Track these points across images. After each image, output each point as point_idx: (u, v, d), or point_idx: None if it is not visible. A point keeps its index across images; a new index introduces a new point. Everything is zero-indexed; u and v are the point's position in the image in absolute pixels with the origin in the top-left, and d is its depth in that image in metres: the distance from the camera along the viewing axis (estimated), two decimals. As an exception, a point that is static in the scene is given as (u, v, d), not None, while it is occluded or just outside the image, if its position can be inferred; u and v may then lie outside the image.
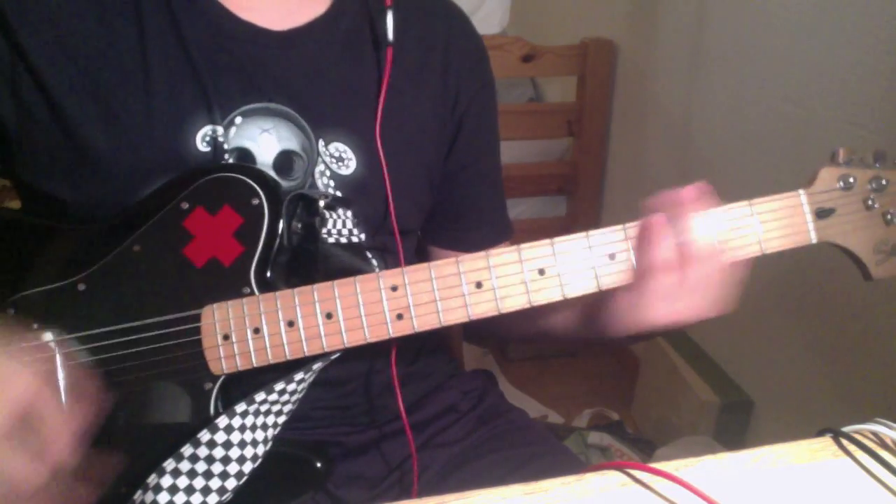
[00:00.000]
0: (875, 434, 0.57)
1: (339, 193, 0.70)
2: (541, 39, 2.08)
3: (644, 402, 1.89)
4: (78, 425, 0.56)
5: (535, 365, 2.13)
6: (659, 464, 0.52)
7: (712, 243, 0.59)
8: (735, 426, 1.57)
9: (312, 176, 0.69)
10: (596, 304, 0.67)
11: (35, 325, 0.61)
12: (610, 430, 1.77)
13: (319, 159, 0.69)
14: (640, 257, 0.61)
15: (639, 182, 2.03)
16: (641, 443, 1.76)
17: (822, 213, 0.62)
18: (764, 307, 1.49)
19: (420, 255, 0.88)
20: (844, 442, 0.56)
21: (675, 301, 0.61)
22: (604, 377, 2.11)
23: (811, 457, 0.55)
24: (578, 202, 2.23)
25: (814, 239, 0.63)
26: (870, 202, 0.63)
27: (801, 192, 0.63)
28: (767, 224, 0.62)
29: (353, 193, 0.71)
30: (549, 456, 0.77)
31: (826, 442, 0.57)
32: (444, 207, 0.83)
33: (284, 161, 0.68)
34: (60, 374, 0.60)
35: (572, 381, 2.09)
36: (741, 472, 0.53)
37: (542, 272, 0.61)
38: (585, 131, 2.13)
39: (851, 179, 0.63)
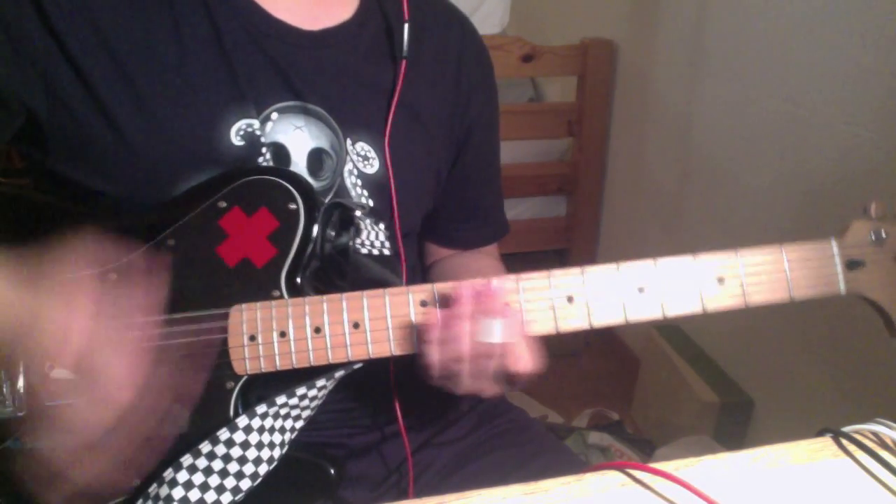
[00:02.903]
0: (875, 434, 0.57)
1: (366, 192, 0.71)
2: (541, 39, 2.08)
3: (644, 402, 1.89)
4: (134, 370, 0.58)
5: (535, 365, 2.12)
6: (659, 464, 0.52)
7: (492, 347, 0.57)
8: (735, 426, 1.57)
9: (342, 175, 0.70)
10: None
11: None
12: (610, 430, 1.77)
13: (348, 158, 0.70)
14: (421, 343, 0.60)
15: (639, 182, 2.03)
16: (641, 443, 1.76)
17: (852, 265, 0.62)
18: (764, 308, 1.48)
19: (421, 256, 0.89)
20: (844, 442, 0.56)
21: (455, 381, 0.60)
22: (604, 377, 2.11)
23: (811, 457, 0.55)
24: (578, 202, 2.23)
25: (843, 290, 0.62)
26: None
27: (833, 241, 0.62)
28: (796, 272, 0.62)
29: (377, 192, 0.72)
30: (549, 456, 0.77)
31: (826, 442, 0.57)
32: (446, 209, 0.84)
33: (316, 158, 0.69)
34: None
35: (572, 381, 2.09)
36: (741, 472, 0.53)
37: (570, 299, 0.60)
38: (585, 131, 2.13)
39: (883, 234, 0.62)
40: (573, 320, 0.61)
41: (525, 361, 0.59)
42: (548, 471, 0.54)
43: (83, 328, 0.56)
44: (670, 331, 1.79)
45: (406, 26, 0.72)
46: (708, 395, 1.58)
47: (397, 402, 0.71)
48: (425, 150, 0.77)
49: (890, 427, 0.56)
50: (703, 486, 0.50)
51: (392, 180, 0.72)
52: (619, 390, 2.01)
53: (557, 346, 2.16)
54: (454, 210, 0.85)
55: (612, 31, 2.08)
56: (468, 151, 0.82)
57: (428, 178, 0.78)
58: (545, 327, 0.60)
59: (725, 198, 1.61)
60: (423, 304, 0.60)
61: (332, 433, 0.76)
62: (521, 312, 0.60)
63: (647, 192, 1.98)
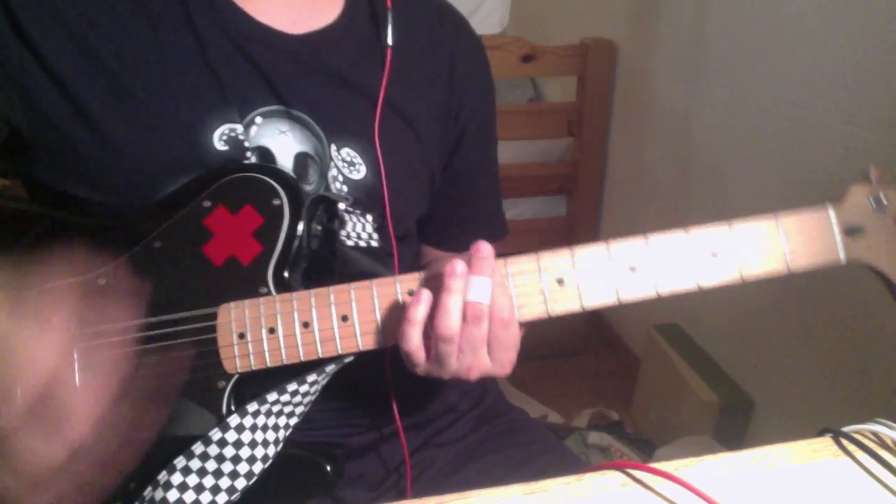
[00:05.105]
0: (875, 434, 0.57)
1: (352, 198, 0.71)
2: (541, 39, 2.08)
3: (644, 402, 1.89)
4: (93, 408, 0.57)
5: (535, 365, 2.13)
6: (659, 464, 0.52)
7: (481, 310, 0.56)
8: (735, 426, 1.57)
9: (326, 180, 0.69)
10: None
11: (54, 319, 0.62)
12: (610, 430, 1.77)
13: (332, 164, 0.70)
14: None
15: (639, 182, 2.04)
16: (641, 443, 1.76)
17: (851, 231, 0.59)
18: (764, 307, 1.49)
19: (419, 258, 0.89)
20: (844, 442, 0.56)
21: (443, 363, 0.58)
22: (604, 377, 2.11)
23: (811, 457, 0.55)
24: (578, 202, 2.23)
25: (843, 257, 0.59)
26: None
27: (829, 207, 0.60)
28: (793, 242, 0.59)
29: (366, 197, 0.71)
30: (550, 456, 0.77)
31: (826, 442, 0.57)
32: (442, 211, 0.83)
33: (302, 163, 0.69)
34: (76, 364, 0.60)
35: (572, 381, 2.09)
36: (741, 472, 0.53)
37: (560, 282, 0.59)
38: (585, 131, 2.13)
39: (884, 199, 0.59)
40: (564, 303, 0.59)
41: (513, 329, 0.58)
42: (548, 471, 0.54)
43: (50, 345, 0.56)
44: (670, 331, 1.80)
45: (390, 15, 0.71)
46: (708, 395, 1.58)
47: (394, 402, 0.71)
48: (416, 153, 0.76)
49: (890, 427, 0.56)
50: (703, 486, 0.50)
51: (385, 184, 0.71)
52: (619, 390, 2.01)
53: (557, 346, 2.16)
54: (450, 212, 0.84)
55: (612, 31, 2.08)
56: (462, 152, 0.81)
57: (420, 181, 0.77)
58: (535, 311, 0.59)
59: (725, 198, 1.61)
60: (411, 293, 0.59)
61: (331, 432, 0.76)
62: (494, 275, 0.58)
63: (647, 192, 1.98)
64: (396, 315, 0.59)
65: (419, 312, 0.57)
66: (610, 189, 2.21)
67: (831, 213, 0.60)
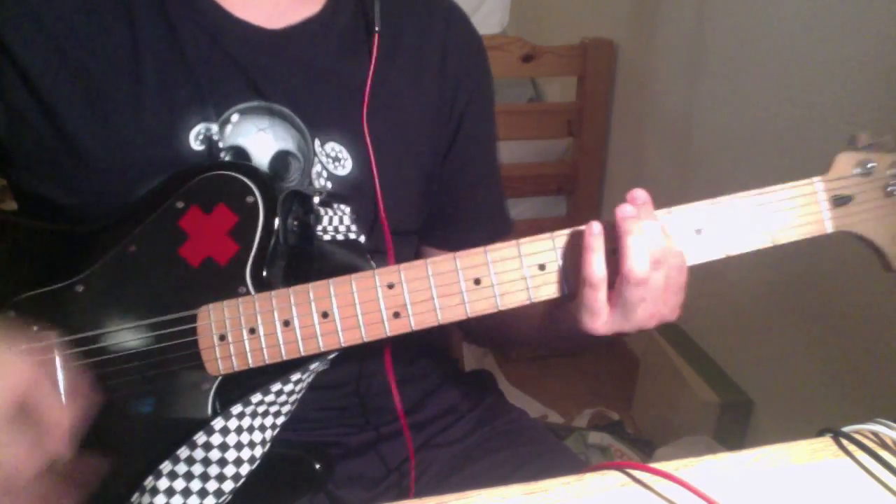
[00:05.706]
0: (875, 434, 0.57)
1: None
2: (541, 39, 2.08)
3: (644, 402, 1.89)
4: (74, 418, 0.57)
5: (535, 365, 2.13)
6: (659, 464, 0.52)
7: (658, 250, 0.56)
8: (735, 426, 1.57)
9: (309, 177, 0.68)
10: (557, 311, 0.65)
11: (35, 328, 0.61)
12: (610, 430, 1.77)
13: (316, 160, 0.69)
14: (579, 270, 0.58)
15: (639, 182, 2.01)
16: (641, 443, 1.76)
17: (838, 201, 0.58)
18: (764, 307, 1.49)
19: (419, 258, 0.87)
20: (844, 442, 0.56)
21: (621, 314, 0.58)
22: (604, 377, 2.11)
23: (811, 457, 0.55)
24: (578, 202, 2.23)
25: (829, 228, 0.59)
26: (890, 188, 0.58)
27: (815, 179, 0.59)
28: (779, 214, 0.59)
29: (351, 193, 0.70)
30: (550, 456, 0.77)
31: (826, 442, 0.57)
32: (442, 209, 0.82)
33: (281, 161, 0.68)
34: (60, 374, 0.60)
35: (572, 381, 2.09)
36: (741, 472, 0.53)
37: (542, 267, 0.59)
38: (585, 131, 2.13)
39: (871, 165, 0.58)
40: (547, 288, 0.59)
41: (685, 271, 0.58)
42: (548, 471, 0.54)
43: (29, 355, 0.56)
44: (670, 331, 1.79)
45: (377, 3, 0.70)
46: (708, 395, 1.58)
47: (397, 400, 0.70)
48: (407, 144, 0.74)
49: (890, 427, 0.56)
50: (703, 486, 0.50)
51: (377, 178, 0.69)
52: (619, 390, 2.01)
53: (557, 347, 2.16)
54: (450, 210, 0.82)
55: (612, 31, 2.08)
56: (459, 147, 0.79)
57: (412, 172, 0.75)
58: (518, 299, 0.59)
59: (725, 198, 1.61)
60: (391, 286, 0.59)
61: (328, 432, 0.76)
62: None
63: (647, 191, 1.98)
64: (377, 309, 0.59)
65: (600, 242, 0.56)
66: (610, 189, 2.21)
67: (818, 183, 0.59)
